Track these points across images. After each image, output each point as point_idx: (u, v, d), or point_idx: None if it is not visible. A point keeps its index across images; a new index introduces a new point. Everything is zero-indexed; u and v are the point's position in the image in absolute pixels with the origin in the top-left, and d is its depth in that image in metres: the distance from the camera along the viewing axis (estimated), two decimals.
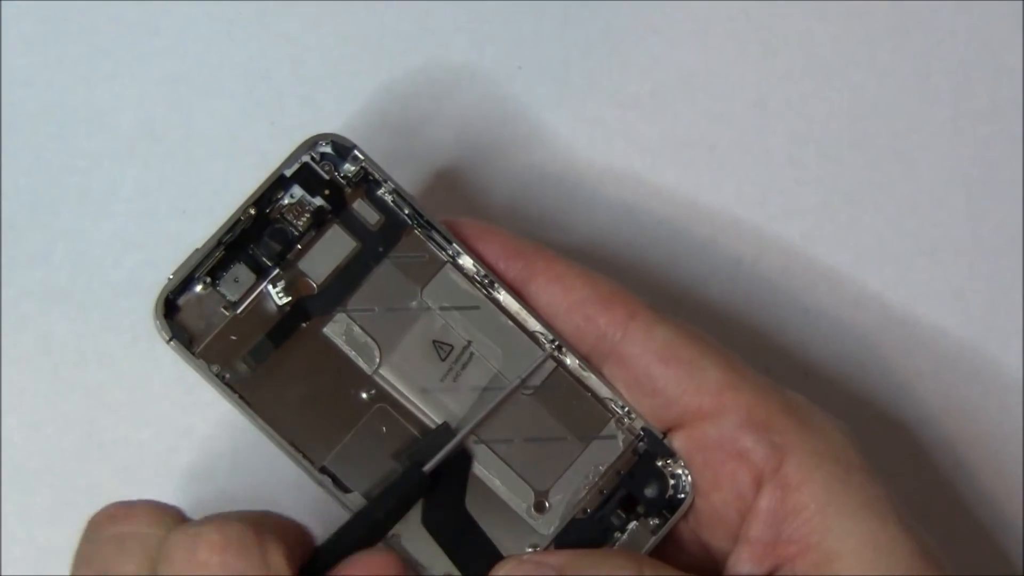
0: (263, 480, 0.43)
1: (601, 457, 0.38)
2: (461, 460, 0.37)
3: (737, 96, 0.46)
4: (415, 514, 0.36)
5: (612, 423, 0.38)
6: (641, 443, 0.38)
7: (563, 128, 0.45)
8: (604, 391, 0.38)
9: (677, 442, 0.37)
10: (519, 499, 0.37)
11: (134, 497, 0.42)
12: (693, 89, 0.46)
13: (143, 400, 0.43)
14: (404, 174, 0.44)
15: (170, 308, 0.36)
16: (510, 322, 0.38)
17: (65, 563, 0.42)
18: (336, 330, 0.37)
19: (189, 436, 0.43)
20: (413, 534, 0.36)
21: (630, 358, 0.37)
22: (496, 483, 0.37)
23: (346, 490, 0.37)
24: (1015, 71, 0.47)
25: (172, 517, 0.33)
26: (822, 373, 0.45)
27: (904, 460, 0.45)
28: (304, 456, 0.36)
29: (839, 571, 0.34)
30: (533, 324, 0.38)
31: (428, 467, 0.36)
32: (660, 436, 0.38)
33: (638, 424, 0.38)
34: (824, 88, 0.46)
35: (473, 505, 0.37)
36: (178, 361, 0.36)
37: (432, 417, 0.37)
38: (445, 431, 0.37)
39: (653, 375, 0.37)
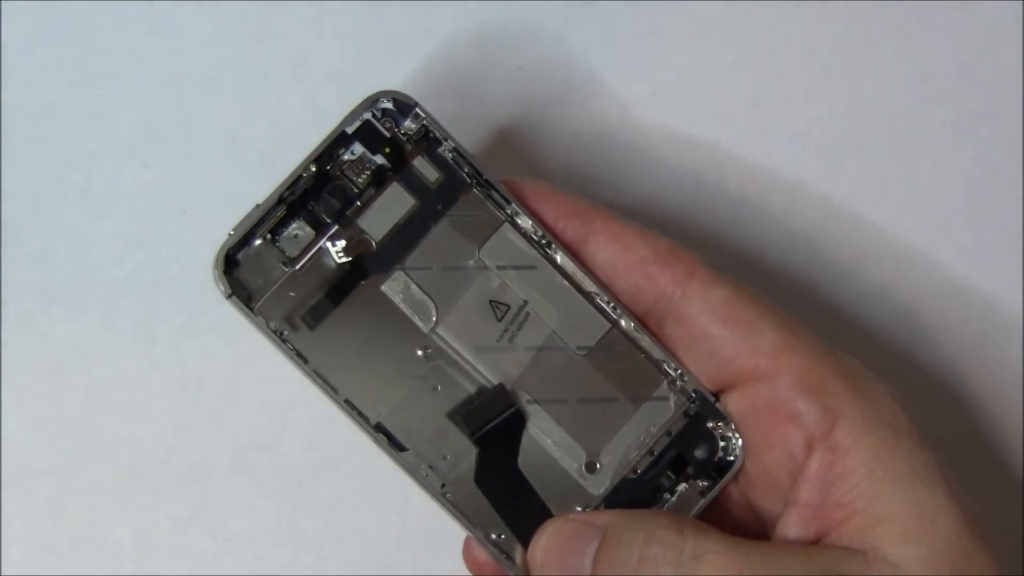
0: (264, 479, 0.43)
1: (653, 418, 0.38)
2: (514, 419, 0.37)
3: (737, 96, 0.46)
4: (468, 472, 0.37)
5: (664, 385, 0.38)
6: (693, 405, 0.38)
7: (564, 128, 0.45)
8: (657, 352, 0.38)
9: (731, 402, 0.38)
10: (571, 459, 0.38)
11: (138, 496, 0.42)
12: (693, 89, 0.46)
13: (143, 400, 0.43)
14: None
15: (229, 264, 0.36)
16: (566, 283, 0.38)
17: (65, 563, 0.42)
18: (394, 288, 0.37)
19: (189, 436, 0.43)
20: (465, 492, 0.37)
21: (689, 317, 0.37)
22: (548, 443, 0.37)
23: (400, 448, 0.37)
24: (1015, 71, 0.47)
25: None
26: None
27: None
28: (359, 414, 0.37)
29: (883, 536, 0.34)
30: (589, 285, 0.38)
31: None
32: (712, 399, 0.38)
33: (690, 386, 0.38)
34: (824, 88, 0.46)
35: (525, 464, 0.37)
36: (237, 317, 0.36)
37: (487, 376, 0.37)
38: (500, 391, 0.37)
39: (711, 335, 0.37)
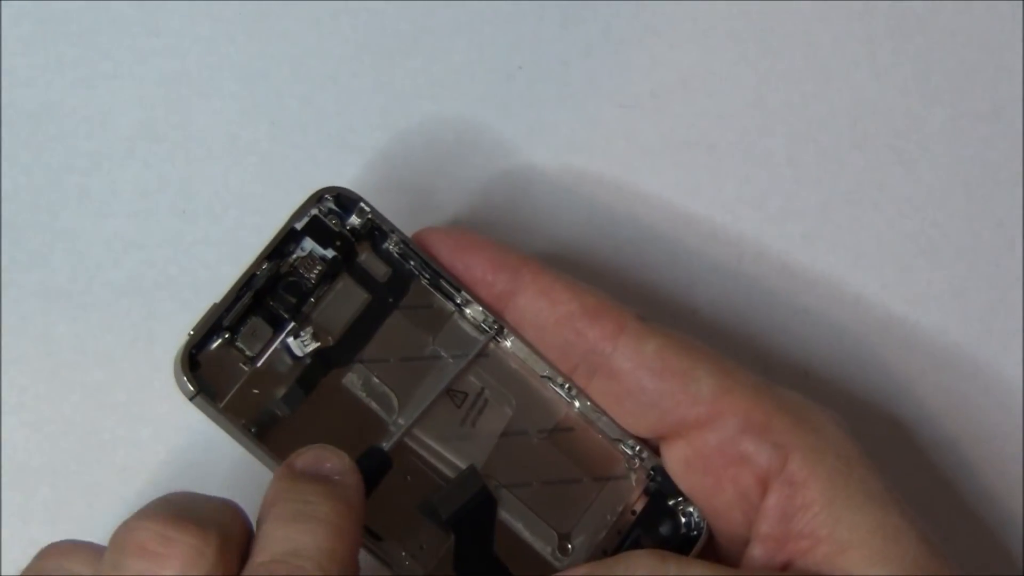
0: (263, 480, 0.43)
1: (617, 497, 0.38)
2: (486, 501, 0.37)
3: (737, 96, 0.46)
4: (447, 561, 0.36)
5: (624, 463, 0.38)
6: (653, 483, 0.38)
7: (562, 128, 0.45)
8: (615, 432, 0.38)
9: (676, 450, 0.38)
10: (543, 542, 0.38)
11: (133, 499, 0.42)
12: (693, 89, 0.46)
13: (143, 400, 0.43)
14: (404, 174, 0.44)
15: (192, 363, 0.36)
16: (519, 369, 0.38)
17: None
18: (354, 381, 0.37)
19: (189, 436, 0.43)
20: None
21: (622, 372, 0.37)
22: (520, 527, 0.38)
23: (378, 537, 0.36)
24: (1015, 71, 0.47)
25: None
26: (822, 373, 0.45)
27: (904, 460, 0.45)
28: None
29: (852, 560, 0.35)
30: (543, 368, 0.38)
31: (388, 447, 0.37)
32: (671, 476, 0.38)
33: (649, 463, 0.38)
34: (824, 88, 0.46)
35: (501, 549, 0.37)
36: (202, 417, 0.36)
37: (455, 463, 0.37)
38: (471, 473, 0.37)
39: (647, 388, 0.37)
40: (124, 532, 0.32)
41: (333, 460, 0.34)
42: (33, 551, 0.42)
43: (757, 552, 0.36)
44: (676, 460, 0.38)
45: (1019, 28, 0.47)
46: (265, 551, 0.32)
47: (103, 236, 0.43)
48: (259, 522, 0.33)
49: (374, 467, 0.36)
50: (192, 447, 0.43)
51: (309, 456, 0.34)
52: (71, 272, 0.43)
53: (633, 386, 0.37)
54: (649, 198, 0.45)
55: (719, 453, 0.36)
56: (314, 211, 0.38)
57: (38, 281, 0.43)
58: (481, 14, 0.45)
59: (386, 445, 0.37)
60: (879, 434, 0.45)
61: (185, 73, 0.44)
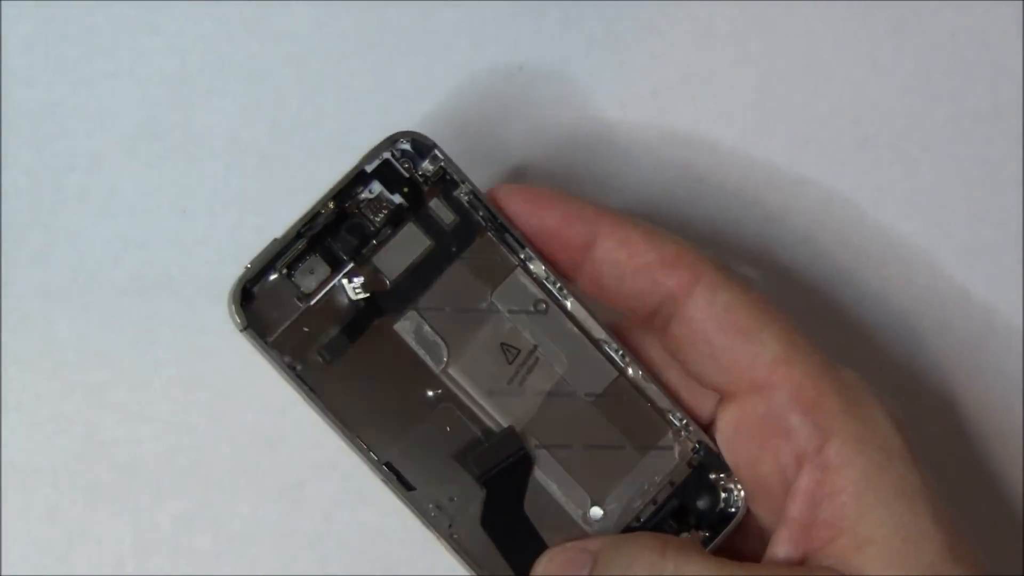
0: (264, 479, 0.43)
1: (657, 467, 0.38)
2: (523, 463, 0.37)
3: (737, 96, 0.46)
4: (474, 514, 0.37)
5: (670, 434, 0.38)
6: (697, 456, 0.38)
7: (563, 128, 0.45)
8: (664, 402, 0.38)
9: (728, 414, 0.38)
10: (575, 505, 0.38)
11: (138, 496, 0.42)
12: (694, 89, 0.46)
13: (143, 400, 0.43)
14: None
15: (245, 297, 0.36)
16: (576, 329, 0.38)
17: (65, 563, 0.42)
18: (406, 327, 0.37)
19: (189, 436, 0.43)
20: (471, 533, 0.37)
21: (692, 321, 0.37)
22: (554, 488, 0.38)
23: (409, 487, 0.37)
24: (1015, 71, 0.47)
25: None
26: None
27: None
28: (369, 451, 0.37)
29: (868, 558, 0.34)
30: (599, 332, 0.38)
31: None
32: (716, 450, 0.38)
33: (695, 436, 0.38)
34: (825, 88, 0.46)
35: (531, 508, 0.37)
36: (251, 350, 0.36)
37: (497, 419, 0.38)
38: (510, 434, 0.37)
39: (712, 340, 0.37)
40: None
41: None
42: (33, 551, 0.42)
43: (783, 535, 0.36)
44: (728, 423, 0.38)
45: (1019, 28, 0.47)
46: None
47: (103, 235, 0.43)
48: None
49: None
50: (192, 447, 0.43)
51: None
52: (72, 271, 0.43)
53: (699, 336, 0.37)
54: (649, 199, 0.45)
55: (766, 422, 0.36)
56: (386, 154, 0.38)
57: (38, 280, 0.43)
58: (481, 14, 0.45)
59: (431, 394, 0.37)
60: None
61: (186, 73, 0.44)
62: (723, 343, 0.37)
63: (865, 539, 0.34)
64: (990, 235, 0.46)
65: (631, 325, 0.39)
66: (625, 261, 0.37)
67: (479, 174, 0.45)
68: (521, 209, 0.38)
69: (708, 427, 0.39)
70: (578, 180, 0.45)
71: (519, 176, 0.45)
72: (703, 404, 0.39)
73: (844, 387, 0.36)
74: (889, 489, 0.35)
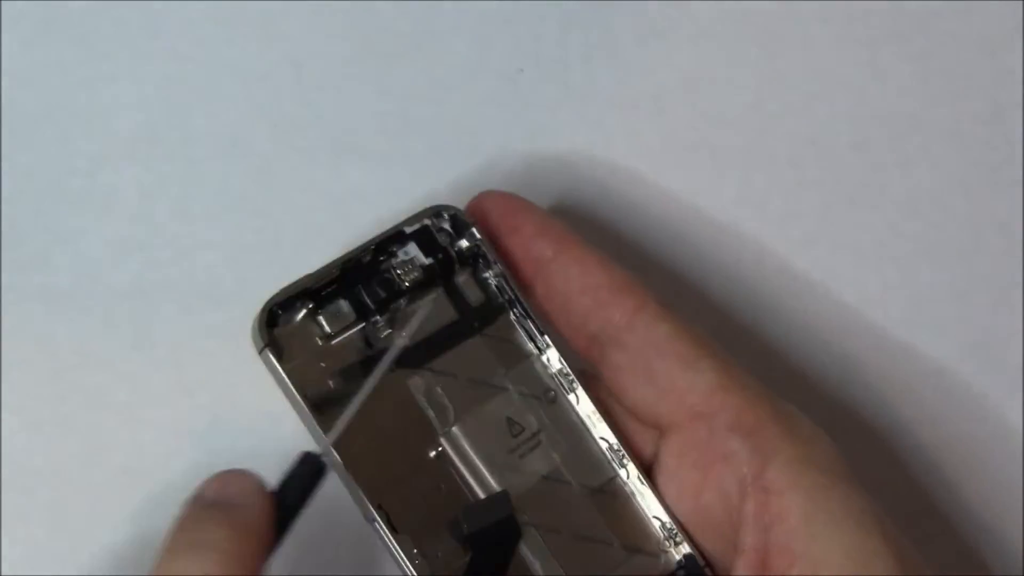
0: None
1: (641, 571, 0.38)
2: (511, 528, 0.37)
3: (737, 98, 0.46)
4: (457, 573, 0.36)
5: (658, 542, 0.38)
6: (681, 570, 0.38)
7: (563, 131, 0.45)
8: (656, 508, 0.38)
9: (670, 444, 0.38)
10: None
11: (133, 501, 0.42)
12: (694, 91, 0.46)
13: (143, 401, 0.43)
14: (402, 176, 0.44)
15: (270, 319, 0.37)
16: (581, 423, 0.39)
17: (65, 563, 0.42)
18: (418, 385, 0.38)
19: (189, 437, 0.43)
20: None
21: (633, 347, 0.38)
22: (537, 567, 0.38)
23: (395, 530, 0.37)
24: (1015, 72, 0.47)
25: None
26: (822, 373, 0.46)
27: (904, 459, 0.45)
28: (364, 489, 0.37)
29: None
30: (603, 430, 0.39)
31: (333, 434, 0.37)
32: (702, 563, 0.38)
33: (683, 548, 0.38)
34: (824, 90, 0.46)
35: None
36: (264, 373, 0.37)
37: (492, 485, 0.38)
38: (503, 496, 0.37)
39: (651, 367, 0.37)
40: None
41: (238, 483, 0.35)
42: (33, 551, 0.42)
43: (740, 567, 0.36)
44: (669, 453, 0.38)
45: (1019, 28, 0.47)
46: None
47: (103, 238, 0.43)
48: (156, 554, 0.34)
49: (306, 474, 0.36)
50: (192, 448, 0.43)
51: (214, 482, 0.35)
52: (71, 274, 0.43)
53: (639, 362, 0.38)
54: (649, 201, 0.45)
55: (707, 448, 0.37)
56: (427, 221, 0.39)
57: (38, 283, 0.43)
58: (481, 15, 0.45)
59: (431, 451, 0.38)
60: (879, 434, 0.46)
61: (185, 75, 0.44)
62: (661, 369, 0.37)
63: (819, 562, 0.35)
64: (990, 236, 0.46)
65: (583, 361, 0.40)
66: (576, 279, 0.38)
67: (479, 174, 0.45)
68: (497, 217, 0.39)
69: (651, 467, 0.39)
70: (578, 181, 0.45)
71: (518, 176, 0.45)
72: (645, 445, 0.39)
73: (783, 414, 0.37)
74: (837, 510, 0.35)
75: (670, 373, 0.37)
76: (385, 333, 0.38)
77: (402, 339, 0.38)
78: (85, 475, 0.42)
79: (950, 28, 0.47)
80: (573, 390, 0.39)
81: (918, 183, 0.46)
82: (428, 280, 0.39)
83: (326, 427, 0.36)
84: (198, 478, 0.43)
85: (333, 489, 0.37)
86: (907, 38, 0.46)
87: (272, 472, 0.43)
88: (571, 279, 0.38)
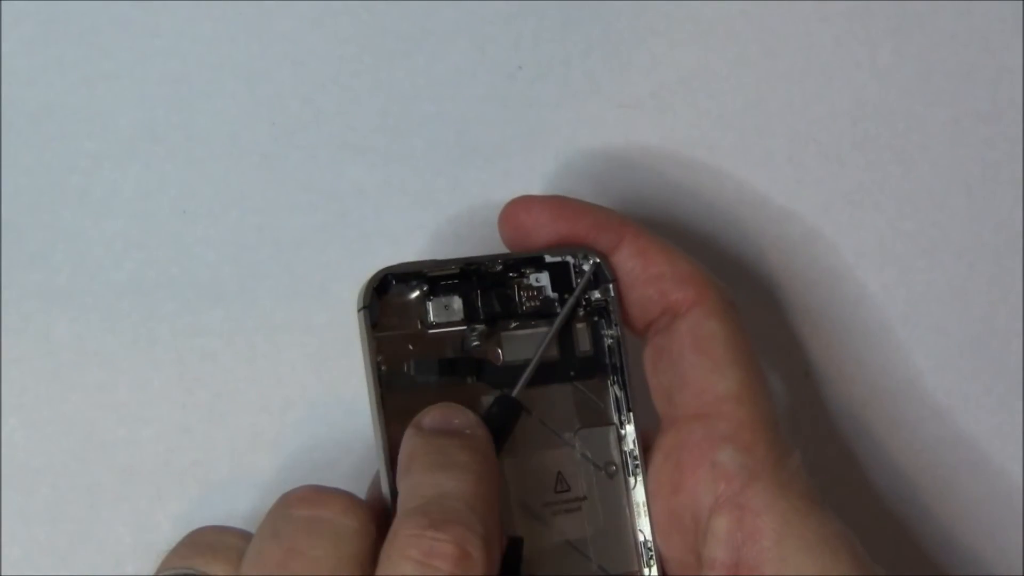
0: (264, 480, 0.43)
1: None
2: (516, 548, 0.36)
3: (737, 96, 0.46)
4: None
5: None
6: None
7: (563, 129, 0.45)
8: None
9: (666, 437, 0.38)
10: None
11: (138, 496, 0.42)
12: (693, 90, 0.46)
13: (143, 400, 0.43)
14: (403, 174, 0.44)
15: (381, 286, 0.37)
16: (627, 508, 0.38)
17: (65, 563, 0.42)
18: (488, 402, 0.37)
19: (189, 436, 0.43)
20: None
21: (677, 335, 0.38)
22: None
23: None
24: (1015, 72, 0.47)
25: (365, 512, 0.34)
26: (822, 373, 0.46)
27: (905, 460, 0.45)
28: (393, 474, 0.36)
29: None
30: (643, 524, 0.38)
31: (515, 392, 0.37)
32: None
33: None
34: (824, 89, 0.46)
35: None
36: (353, 331, 0.37)
37: (514, 527, 0.37)
38: (516, 544, 0.36)
39: (685, 357, 0.38)
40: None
41: (460, 416, 0.36)
42: (33, 551, 0.42)
43: None
44: (662, 445, 0.38)
45: (1019, 28, 0.47)
46: (413, 499, 0.33)
47: (104, 236, 0.43)
48: (400, 479, 0.35)
49: (504, 415, 0.37)
50: (192, 447, 0.43)
51: (436, 413, 0.36)
52: (72, 272, 0.43)
53: (676, 350, 0.38)
54: (649, 199, 0.45)
55: (697, 449, 0.37)
56: (569, 258, 0.39)
57: (39, 281, 0.43)
58: (481, 14, 0.45)
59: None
60: (880, 434, 0.46)
61: (186, 73, 0.44)
62: (691, 361, 0.38)
63: None
64: (990, 235, 0.46)
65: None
66: (640, 270, 0.38)
67: (478, 174, 0.45)
68: (548, 217, 0.39)
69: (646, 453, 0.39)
70: (577, 181, 0.45)
71: (516, 177, 0.45)
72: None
73: (779, 443, 0.37)
74: (810, 535, 0.35)
75: (696, 368, 0.37)
76: (481, 344, 0.38)
77: (554, 352, 0.38)
78: (85, 474, 0.42)
79: (950, 27, 0.47)
80: (635, 474, 0.38)
81: (918, 182, 0.46)
82: (543, 312, 0.38)
83: (384, 406, 0.36)
84: (198, 478, 0.43)
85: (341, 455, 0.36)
86: (907, 37, 0.46)
87: (276, 468, 0.43)
88: (635, 269, 0.39)
